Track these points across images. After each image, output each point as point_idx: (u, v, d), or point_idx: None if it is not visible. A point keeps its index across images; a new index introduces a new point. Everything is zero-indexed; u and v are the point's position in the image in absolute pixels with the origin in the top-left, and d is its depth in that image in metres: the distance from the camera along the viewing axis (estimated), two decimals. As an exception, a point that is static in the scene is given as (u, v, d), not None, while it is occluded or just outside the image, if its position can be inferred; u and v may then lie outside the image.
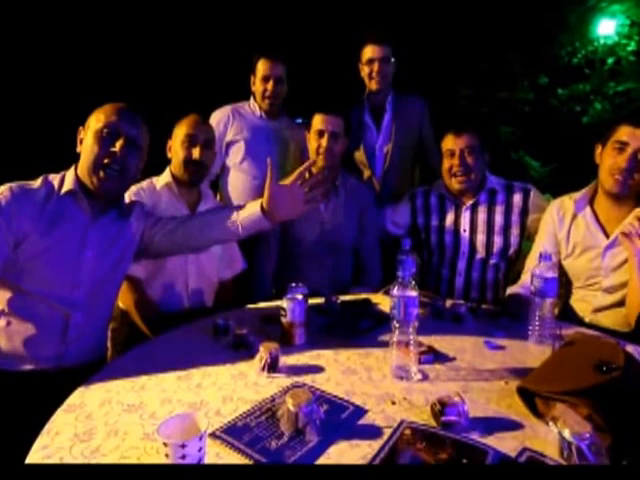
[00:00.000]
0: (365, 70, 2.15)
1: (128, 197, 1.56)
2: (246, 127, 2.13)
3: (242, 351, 1.16)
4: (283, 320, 1.20)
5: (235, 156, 2.13)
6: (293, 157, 2.20)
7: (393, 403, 0.93)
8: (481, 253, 1.82)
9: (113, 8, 3.40)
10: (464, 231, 1.82)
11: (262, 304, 1.57)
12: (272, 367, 1.05)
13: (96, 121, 1.22)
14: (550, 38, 5.29)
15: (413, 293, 1.00)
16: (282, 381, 1.02)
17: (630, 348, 1.20)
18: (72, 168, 1.27)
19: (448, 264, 1.87)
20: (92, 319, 1.26)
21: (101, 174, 1.20)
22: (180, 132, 1.60)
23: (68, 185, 1.22)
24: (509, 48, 5.17)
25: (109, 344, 1.49)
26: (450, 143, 1.75)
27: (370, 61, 2.11)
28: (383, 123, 2.18)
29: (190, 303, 1.64)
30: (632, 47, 6.47)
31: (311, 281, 1.81)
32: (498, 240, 1.79)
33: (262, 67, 2.08)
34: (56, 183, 1.24)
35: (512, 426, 0.85)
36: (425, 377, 1.04)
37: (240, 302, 1.90)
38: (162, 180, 1.63)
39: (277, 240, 1.88)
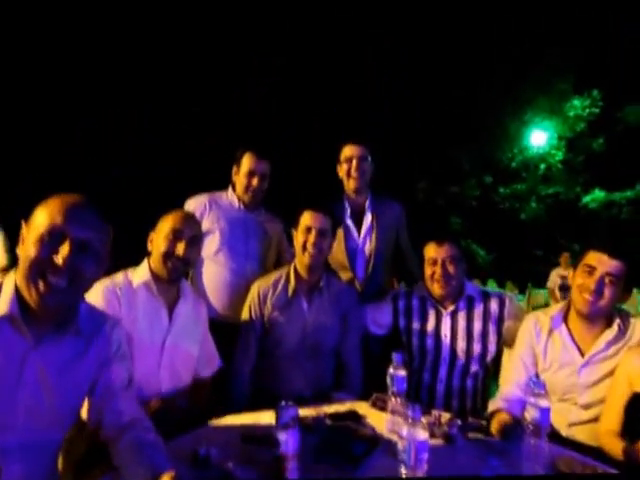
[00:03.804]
0: (344, 168, 2.14)
1: (102, 295, 1.43)
2: (223, 217, 2.06)
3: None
4: (275, 452, 1.08)
5: (210, 246, 2.03)
6: (271, 250, 2.15)
7: None
8: (462, 359, 1.82)
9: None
10: (445, 336, 1.83)
11: (242, 417, 1.44)
12: (268, 518, 0.91)
13: (39, 221, 0.95)
14: (494, 144, 6.06)
15: (424, 436, 0.95)
16: (280, 537, 0.89)
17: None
18: (10, 274, 0.99)
19: (430, 369, 1.85)
20: (35, 466, 0.98)
21: (41, 286, 0.93)
22: (165, 226, 1.53)
23: (3, 304, 0.94)
24: (461, 150, 5.83)
25: (61, 459, 1.22)
26: (432, 252, 1.82)
27: (349, 159, 2.11)
28: (364, 225, 2.16)
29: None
30: (560, 157, 7.65)
31: (291, 383, 1.72)
32: (477, 347, 1.81)
33: (248, 162, 2.07)
34: None
35: None
36: (435, 527, 0.96)
37: (215, 402, 1.73)
38: (139, 277, 1.51)
39: (257, 340, 1.78)
